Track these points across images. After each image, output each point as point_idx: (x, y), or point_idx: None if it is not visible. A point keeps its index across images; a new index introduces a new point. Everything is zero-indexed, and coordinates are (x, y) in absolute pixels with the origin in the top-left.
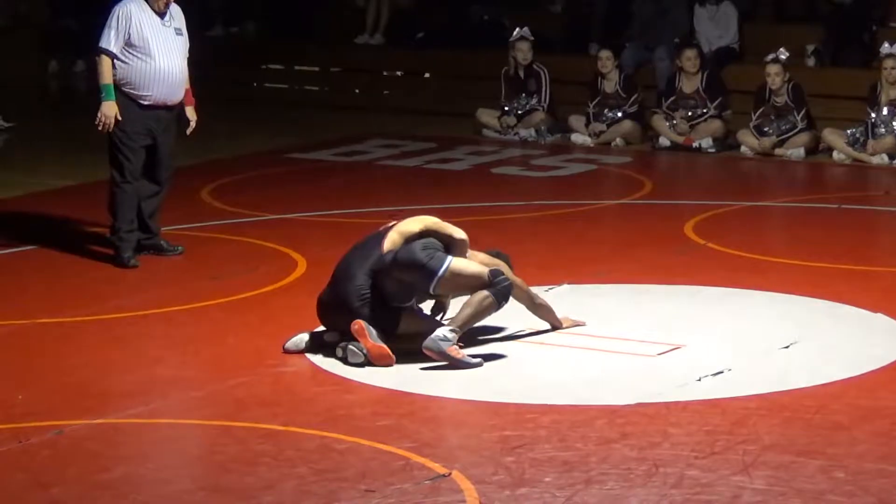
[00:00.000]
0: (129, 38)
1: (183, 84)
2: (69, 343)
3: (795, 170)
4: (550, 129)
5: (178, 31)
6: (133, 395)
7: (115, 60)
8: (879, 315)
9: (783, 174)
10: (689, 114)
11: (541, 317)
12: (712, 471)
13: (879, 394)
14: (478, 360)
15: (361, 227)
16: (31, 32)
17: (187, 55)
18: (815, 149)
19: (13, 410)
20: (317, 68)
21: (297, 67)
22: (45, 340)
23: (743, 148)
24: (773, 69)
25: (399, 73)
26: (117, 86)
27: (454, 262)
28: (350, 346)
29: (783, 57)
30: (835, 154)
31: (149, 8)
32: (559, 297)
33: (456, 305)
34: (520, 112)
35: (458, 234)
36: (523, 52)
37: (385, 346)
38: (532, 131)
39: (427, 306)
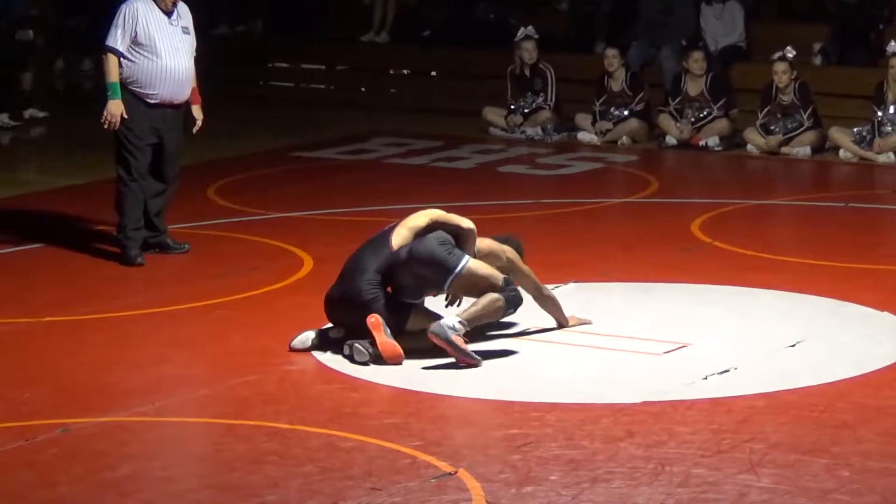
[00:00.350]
0: (136, 36)
1: (189, 83)
2: (75, 341)
3: (802, 168)
4: (557, 128)
5: (185, 30)
6: (139, 393)
7: (121, 59)
8: (886, 314)
9: (789, 173)
10: (694, 118)
11: (547, 310)
12: (718, 469)
13: (885, 393)
14: (478, 357)
15: (367, 225)
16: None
17: (194, 54)
18: (822, 147)
19: (19, 409)
20: (323, 67)
21: (302, 66)
22: (51, 339)
23: (749, 146)
24: (779, 67)
25: (405, 71)
26: (124, 84)
27: (471, 262)
28: (356, 345)
29: (790, 55)
30: (841, 152)
31: (156, 7)
32: (565, 295)
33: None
34: (526, 111)
35: (466, 223)
36: (529, 52)
37: (397, 345)
38: (538, 130)
39: (439, 302)
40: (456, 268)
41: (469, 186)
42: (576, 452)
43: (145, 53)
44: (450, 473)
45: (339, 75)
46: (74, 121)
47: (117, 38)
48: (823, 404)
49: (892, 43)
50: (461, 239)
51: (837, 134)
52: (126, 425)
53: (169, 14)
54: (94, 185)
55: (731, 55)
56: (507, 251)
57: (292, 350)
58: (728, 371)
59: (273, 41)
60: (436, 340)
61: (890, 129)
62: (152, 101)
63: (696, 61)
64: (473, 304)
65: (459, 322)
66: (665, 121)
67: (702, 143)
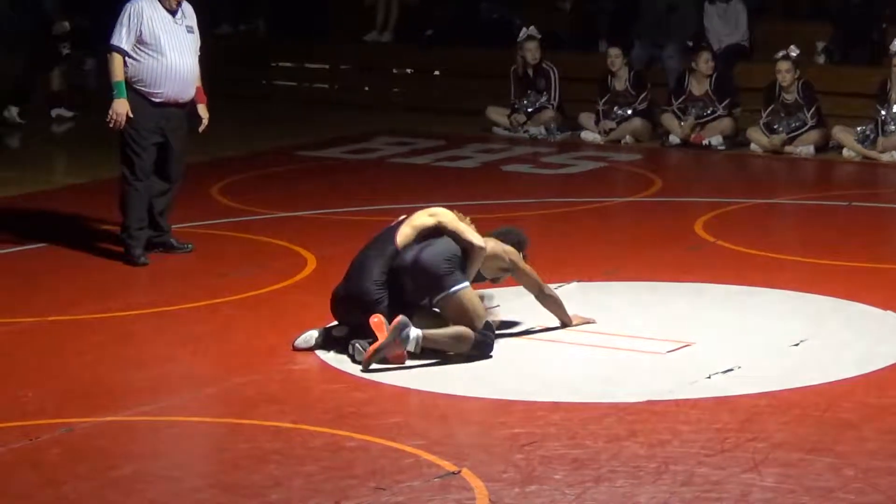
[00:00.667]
0: (141, 35)
1: (194, 82)
2: (79, 341)
3: (805, 167)
4: (560, 127)
5: (189, 29)
6: (143, 392)
7: (126, 58)
8: (889, 313)
9: (793, 172)
10: (698, 116)
11: (549, 309)
12: (722, 468)
13: (889, 392)
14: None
15: (371, 224)
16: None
17: (198, 53)
18: (825, 146)
19: (24, 408)
20: (326, 66)
21: (306, 65)
22: (56, 338)
23: (753, 145)
24: (783, 66)
25: (408, 70)
26: (128, 83)
27: (466, 292)
28: (357, 345)
29: (794, 54)
30: (844, 151)
31: (160, 6)
32: (569, 294)
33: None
34: (529, 110)
35: (477, 241)
36: (531, 52)
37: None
38: (542, 129)
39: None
40: (449, 289)
41: (472, 186)
42: (579, 451)
43: (150, 52)
44: (453, 473)
45: (342, 75)
46: (78, 120)
47: (122, 37)
48: (827, 403)
49: None
50: (469, 256)
51: (841, 133)
52: (130, 424)
53: (173, 13)
54: (99, 185)
55: (735, 54)
56: (510, 252)
57: (295, 349)
58: (731, 370)
59: (276, 41)
60: (393, 323)
61: (893, 127)
62: (157, 101)
63: (706, 62)
64: (442, 329)
65: (420, 337)
66: (668, 120)
67: (705, 142)
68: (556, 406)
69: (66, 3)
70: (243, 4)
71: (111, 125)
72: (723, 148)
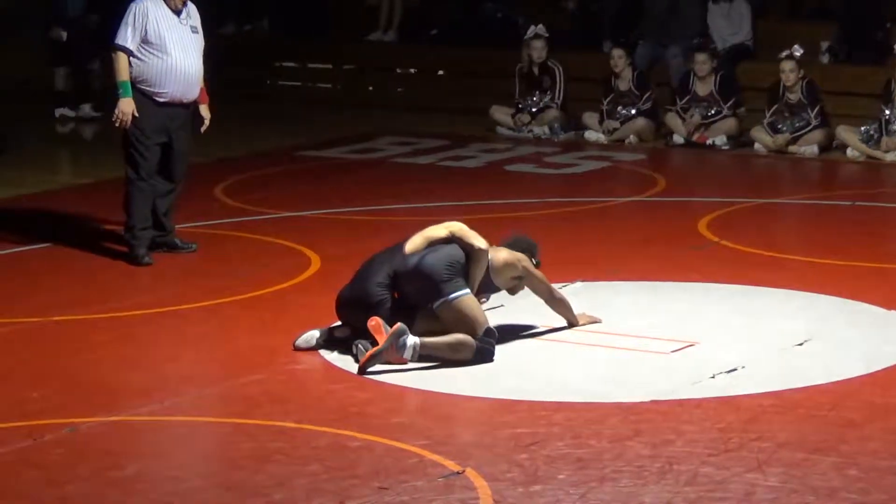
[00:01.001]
0: (146, 35)
1: (198, 81)
2: (83, 340)
3: (809, 167)
4: (564, 127)
5: (193, 29)
6: (146, 392)
7: (130, 57)
8: (893, 312)
9: (797, 171)
10: (702, 116)
11: (557, 311)
12: (726, 468)
13: (893, 391)
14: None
15: (374, 224)
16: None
17: (202, 53)
18: (829, 146)
19: (27, 408)
20: (329, 66)
21: (309, 65)
22: (59, 338)
23: (757, 145)
24: (787, 66)
25: (412, 70)
26: (133, 83)
27: (466, 299)
28: (359, 345)
29: (797, 53)
30: (848, 151)
31: (165, 5)
32: (573, 294)
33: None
34: (533, 109)
35: (478, 243)
36: (538, 50)
37: None
38: (546, 129)
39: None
40: (448, 295)
41: (476, 185)
42: (583, 451)
43: (155, 52)
44: (457, 472)
45: (345, 74)
46: (82, 120)
47: (127, 37)
48: (831, 403)
49: None
50: (472, 259)
51: (845, 133)
52: (133, 424)
53: (178, 13)
54: (103, 185)
55: (739, 54)
56: (522, 260)
57: (296, 349)
58: (735, 370)
59: (280, 40)
60: (391, 330)
61: None
62: (162, 100)
63: (700, 63)
64: (442, 337)
65: (418, 345)
66: (672, 120)
67: (709, 141)
68: (559, 406)
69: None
70: (247, 5)
71: (117, 124)
72: (727, 148)
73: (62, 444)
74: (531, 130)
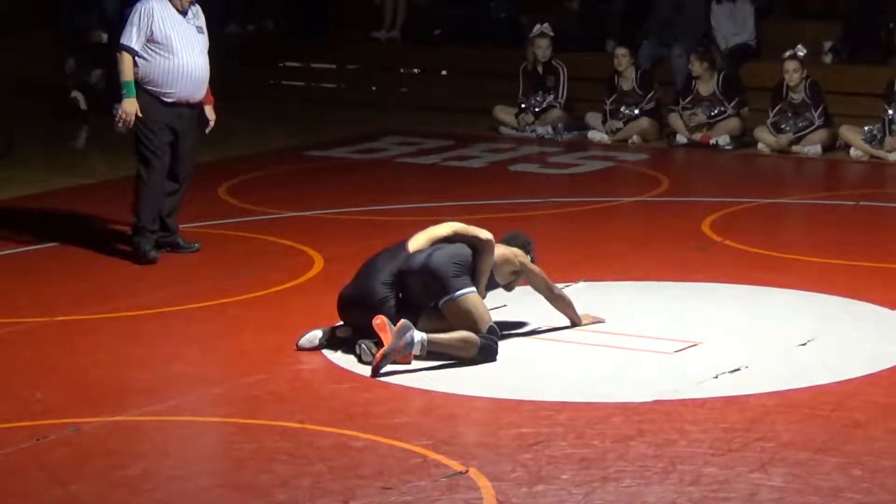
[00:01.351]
0: (152, 35)
1: (205, 82)
2: (87, 340)
3: (812, 167)
4: (567, 127)
5: (199, 30)
6: (150, 392)
7: (136, 58)
8: None
9: (800, 171)
10: (705, 116)
11: (559, 309)
12: (729, 468)
13: None
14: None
15: (378, 224)
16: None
17: (207, 53)
18: (833, 146)
19: (31, 408)
20: (333, 65)
21: (313, 65)
22: (64, 338)
23: (760, 145)
24: (790, 66)
25: (416, 70)
26: (139, 84)
27: (472, 296)
28: (363, 345)
29: (801, 53)
30: (852, 151)
31: (170, 6)
32: (576, 294)
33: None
34: (537, 109)
35: (484, 234)
36: (542, 49)
37: None
38: (549, 128)
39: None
40: (454, 292)
41: (480, 185)
42: (587, 451)
43: (161, 52)
44: (460, 472)
45: (349, 74)
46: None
47: (132, 37)
48: (835, 403)
49: None
50: (478, 250)
51: (848, 132)
52: (137, 424)
53: (184, 13)
54: (106, 185)
55: (742, 54)
56: (519, 255)
57: (299, 348)
58: (739, 370)
59: (284, 40)
60: (397, 327)
61: None
62: (168, 101)
63: (693, 64)
64: (448, 333)
65: (426, 341)
66: (675, 119)
67: (712, 141)
68: (563, 406)
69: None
70: (251, 4)
71: (120, 125)
72: (730, 147)
73: (66, 444)
74: (535, 130)
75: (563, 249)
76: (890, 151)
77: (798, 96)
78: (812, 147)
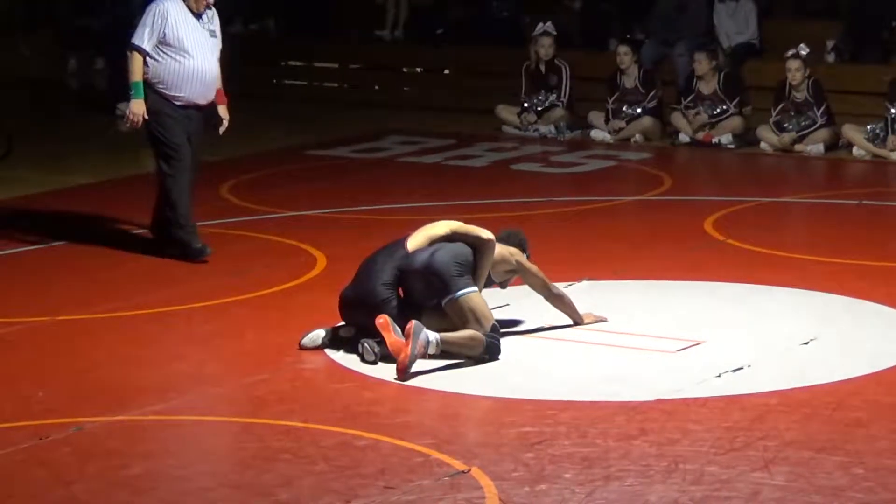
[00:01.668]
0: (164, 36)
1: (215, 84)
2: (90, 340)
3: (815, 166)
4: (570, 126)
5: (212, 33)
6: (153, 391)
7: (146, 58)
8: None
9: (803, 170)
10: (707, 115)
11: (559, 308)
12: (732, 467)
13: None
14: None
15: (381, 223)
16: (50, 30)
17: (218, 56)
18: (835, 145)
19: (34, 407)
20: (336, 65)
21: (316, 64)
22: (66, 337)
23: (762, 144)
24: (793, 65)
25: (418, 69)
26: (150, 85)
27: (473, 296)
28: (365, 344)
29: (803, 52)
30: (854, 150)
31: (186, 8)
32: (579, 293)
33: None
34: (539, 108)
35: (485, 234)
36: (545, 48)
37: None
38: (552, 128)
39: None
40: (457, 292)
41: (482, 185)
42: (589, 450)
43: (172, 54)
44: (463, 471)
45: (352, 74)
46: (89, 120)
47: (144, 38)
48: (837, 402)
49: None
50: (479, 250)
51: (851, 131)
52: (140, 424)
53: (199, 16)
54: (110, 185)
55: (744, 53)
56: (515, 253)
57: (302, 348)
58: (741, 369)
59: (286, 40)
60: (409, 329)
61: None
62: (179, 103)
63: (700, 62)
64: (457, 332)
65: (439, 340)
66: (678, 118)
67: (715, 140)
68: (565, 405)
69: (78, 4)
70: (254, 3)
71: (127, 125)
72: (732, 146)
73: (69, 443)
74: (537, 129)
75: (565, 248)
76: (893, 150)
77: (801, 95)
78: (815, 146)
